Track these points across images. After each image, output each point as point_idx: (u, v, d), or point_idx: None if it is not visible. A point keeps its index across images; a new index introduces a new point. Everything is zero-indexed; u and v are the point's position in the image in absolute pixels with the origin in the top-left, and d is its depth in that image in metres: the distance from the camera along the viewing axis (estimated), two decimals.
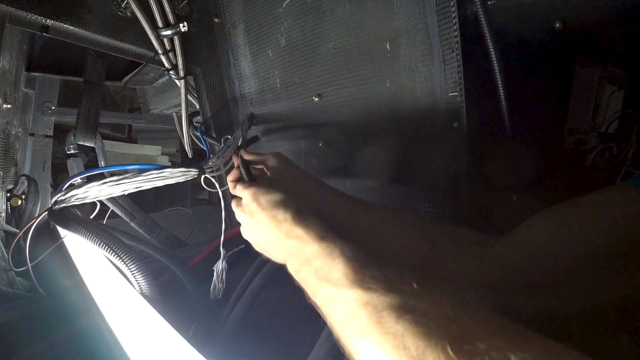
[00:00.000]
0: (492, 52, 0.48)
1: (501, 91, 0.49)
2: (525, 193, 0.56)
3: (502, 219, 0.49)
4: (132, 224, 0.79)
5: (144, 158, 2.03)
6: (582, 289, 0.36)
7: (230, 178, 0.57)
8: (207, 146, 0.72)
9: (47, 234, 0.61)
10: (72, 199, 0.48)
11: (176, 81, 0.74)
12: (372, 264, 0.30)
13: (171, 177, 0.51)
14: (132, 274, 0.45)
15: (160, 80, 1.02)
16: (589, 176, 0.61)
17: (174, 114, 0.97)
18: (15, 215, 0.77)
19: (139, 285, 0.46)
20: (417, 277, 0.27)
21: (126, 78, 0.88)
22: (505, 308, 0.38)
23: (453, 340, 0.21)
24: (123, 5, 0.64)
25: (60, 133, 0.99)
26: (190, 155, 0.87)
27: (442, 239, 0.42)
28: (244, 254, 0.62)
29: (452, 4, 0.49)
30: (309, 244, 0.34)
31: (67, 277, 0.59)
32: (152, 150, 2.12)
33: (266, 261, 0.50)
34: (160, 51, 0.68)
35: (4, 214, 0.74)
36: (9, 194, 0.77)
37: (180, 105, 0.78)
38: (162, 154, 2.16)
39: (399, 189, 0.64)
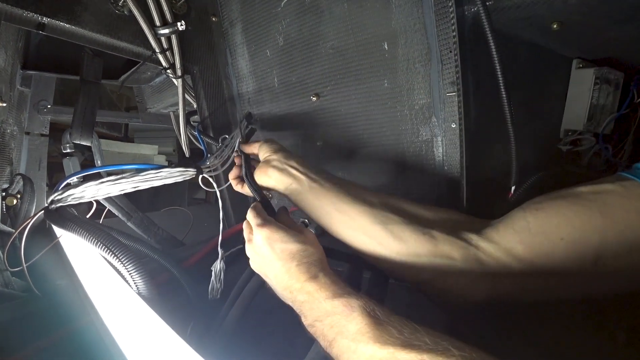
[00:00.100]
0: (494, 53, 0.48)
1: (502, 91, 0.49)
2: (523, 193, 0.57)
3: None
4: (129, 224, 0.78)
5: (140, 157, 2.02)
6: (574, 281, 0.36)
7: (232, 176, 0.57)
8: (204, 146, 0.72)
9: (42, 234, 0.60)
10: (69, 199, 0.47)
11: (173, 80, 0.74)
12: (387, 320, 0.31)
13: (169, 177, 0.51)
14: (129, 274, 0.45)
15: (158, 79, 1.02)
16: (585, 176, 0.62)
17: (171, 113, 0.97)
18: (11, 215, 0.77)
19: (136, 285, 0.45)
20: (429, 334, 0.28)
21: (123, 77, 0.88)
22: (502, 293, 0.38)
23: None
24: (120, 3, 0.63)
25: (56, 132, 0.98)
26: (187, 155, 0.87)
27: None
28: (241, 254, 0.62)
29: (450, 4, 0.49)
30: (321, 302, 0.35)
31: (63, 277, 0.59)
32: (149, 150, 2.10)
33: None
34: (157, 50, 0.67)
35: None
36: (4, 193, 0.77)
37: (177, 104, 0.77)
38: (159, 153, 2.14)
39: (397, 189, 0.64)
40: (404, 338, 0.28)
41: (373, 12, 0.57)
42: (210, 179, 0.56)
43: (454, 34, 0.50)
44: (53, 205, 0.48)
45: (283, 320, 0.50)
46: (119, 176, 0.48)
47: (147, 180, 0.49)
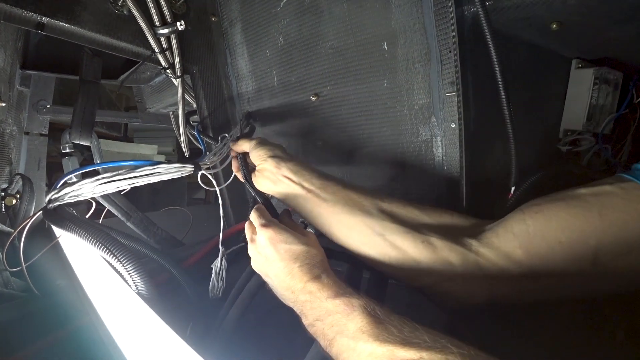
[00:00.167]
0: (493, 53, 0.48)
1: (502, 92, 0.49)
2: (522, 194, 0.57)
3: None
4: (128, 224, 0.78)
5: (140, 157, 2.02)
6: (573, 282, 0.36)
7: (234, 168, 0.58)
8: (204, 145, 0.72)
9: (42, 234, 0.60)
10: (66, 197, 0.47)
11: (173, 80, 0.74)
12: (387, 319, 0.31)
13: (166, 173, 0.50)
14: (129, 274, 0.45)
15: (157, 79, 1.02)
16: (585, 176, 0.62)
17: (171, 113, 0.97)
18: (10, 215, 0.77)
19: (136, 285, 0.45)
20: (428, 333, 0.29)
21: (122, 76, 0.88)
22: (501, 295, 0.38)
23: None
24: (120, 3, 0.63)
25: (56, 132, 0.98)
26: (187, 154, 0.87)
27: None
28: (241, 253, 0.62)
29: (449, 4, 0.49)
30: (322, 301, 0.35)
31: (62, 277, 0.59)
32: (148, 150, 2.10)
33: None
34: (157, 50, 0.67)
35: None
36: (3, 193, 0.77)
37: (176, 104, 0.77)
38: (158, 153, 2.14)
39: (396, 189, 0.64)
40: (403, 336, 0.29)
41: (373, 12, 0.57)
42: (210, 177, 0.56)
43: (454, 34, 0.50)
44: (51, 205, 0.48)
45: (283, 321, 0.50)
46: (115, 172, 0.47)
47: (144, 177, 0.49)
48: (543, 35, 0.60)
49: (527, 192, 0.55)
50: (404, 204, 0.46)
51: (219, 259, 0.55)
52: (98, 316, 0.44)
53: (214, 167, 0.58)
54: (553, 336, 0.44)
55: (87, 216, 0.67)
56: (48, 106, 0.90)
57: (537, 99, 0.68)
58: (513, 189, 0.56)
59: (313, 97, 0.69)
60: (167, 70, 0.72)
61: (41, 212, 0.49)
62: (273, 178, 0.48)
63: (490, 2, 0.51)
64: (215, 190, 0.57)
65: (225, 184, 0.69)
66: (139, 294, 0.46)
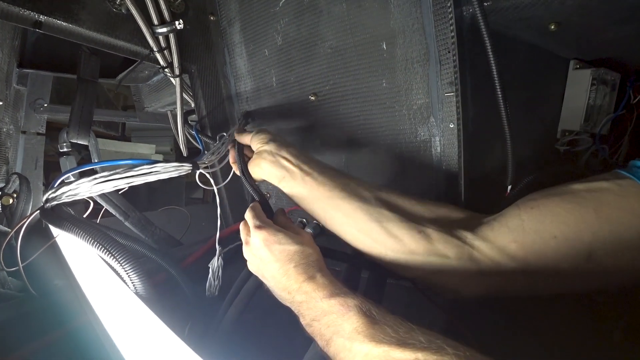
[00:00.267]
0: (490, 53, 0.48)
1: (499, 92, 0.49)
2: (519, 193, 0.57)
3: None
4: (126, 223, 0.78)
5: (138, 156, 2.01)
6: (567, 277, 0.36)
7: (232, 160, 0.58)
8: (202, 144, 0.71)
9: (39, 234, 0.60)
10: (64, 196, 0.47)
11: (171, 79, 0.74)
12: (383, 320, 0.31)
13: (164, 172, 0.50)
14: (127, 273, 0.45)
15: (155, 78, 1.02)
16: (582, 177, 0.62)
17: (169, 112, 0.97)
18: (7, 214, 0.76)
19: (134, 285, 0.45)
20: (424, 334, 0.29)
21: (120, 75, 0.88)
22: (496, 289, 0.38)
23: None
24: (118, 1, 0.63)
25: (53, 131, 0.98)
26: (185, 154, 0.87)
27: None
28: (239, 252, 0.62)
29: (448, 4, 0.49)
30: (318, 302, 0.35)
31: (59, 277, 0.59)
32: (146, 149, 2.10)
33: None
34: (155, 49, 0.67)
35: None
36: (0, 193, 0.76)
37: (175, 103, 0.77)
38: (156, 153, 2.14)
39: (394, 188, 0.64)
40: (399, 337, 0.29)
41: (372, 12, 0.57)
42: (208, 176, 0.56)
43: (453, 34, 0.50)
44: (48, 204, 0.48)
45: (281, 320, 0.50)
46: (112, 171, 0.47)
47: (142, 176, 0.48)
48: (541, 36, 0.60)
49: (524, 192, 0.56)
50: (401, 196, 0.46)
51: (215, 258, 0.55)
52: (96, 316, 0.44)
53: (212, 167, 0.58)
54: (551, 336, 0.44)
55: (84, 216, 0.67)
56: (45, 105, 0.90)
57: (535, 99, 0.68)
58: (509, 188, 0.56)
59: (312, 96, 0.69)
60: (166, 70, 0.72)
61: (38, 211, 0.49)
62: (272, 159, 0.48)
63: (488, 3, 0.51)
64: (213, 190, 0.57)
65: (224, 184, 0.69)
66: (137, 293, 0.45)
